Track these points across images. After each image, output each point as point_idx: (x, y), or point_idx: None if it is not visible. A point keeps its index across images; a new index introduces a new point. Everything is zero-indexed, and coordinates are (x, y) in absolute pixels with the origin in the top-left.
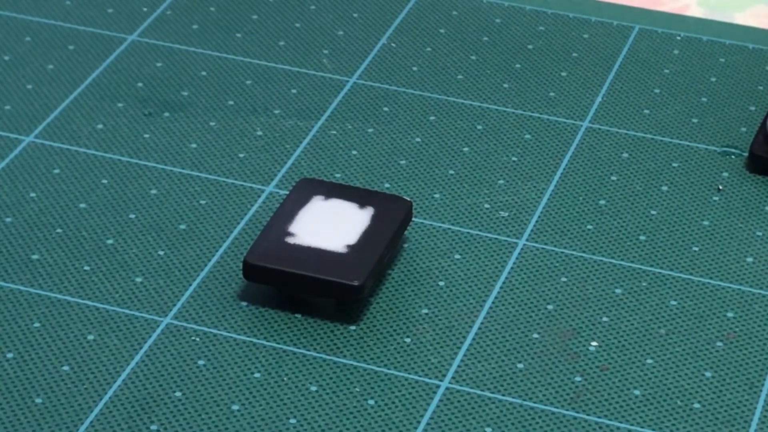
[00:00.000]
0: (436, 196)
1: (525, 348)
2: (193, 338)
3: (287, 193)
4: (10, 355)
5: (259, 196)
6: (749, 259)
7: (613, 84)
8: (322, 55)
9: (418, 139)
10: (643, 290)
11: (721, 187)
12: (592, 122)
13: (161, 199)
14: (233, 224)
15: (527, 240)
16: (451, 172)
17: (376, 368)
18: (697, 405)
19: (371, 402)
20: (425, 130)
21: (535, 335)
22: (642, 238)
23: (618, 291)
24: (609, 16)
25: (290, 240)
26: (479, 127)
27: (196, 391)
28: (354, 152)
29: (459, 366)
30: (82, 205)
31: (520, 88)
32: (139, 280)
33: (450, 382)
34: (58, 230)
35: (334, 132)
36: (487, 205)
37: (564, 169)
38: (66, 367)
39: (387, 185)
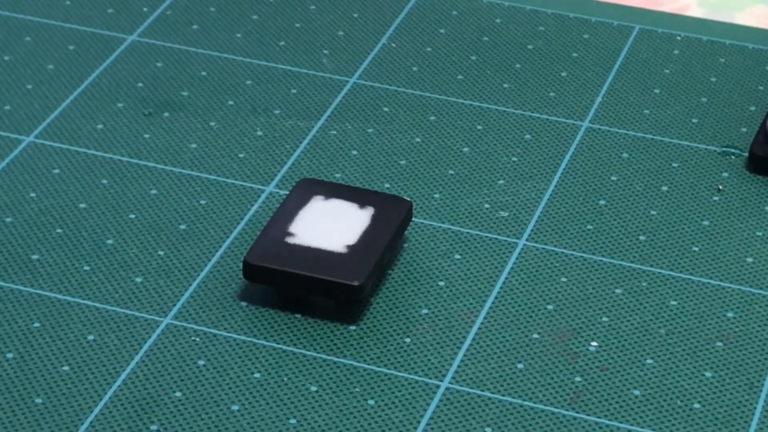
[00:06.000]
0: (436, 196)
1: (525, 348)
2: (193, 338)
3: (287, 193)
4: (10, 355)
5: (259, 196)
6: (749, 259)
7: (613, 84)
8: (322, 55)
9: (418, 139)
10: (643, 290)
11: (721, 187)
12: (592, 122)
13: (161, 199)
14: (233, 224)
15: (527, 240)
16: (451, 172)
17: (376, 368)
18: (697, 405)
19: (371, 402)
20: (425, 130)
21: (535, 335)
22: (642, 238)
23: (618, 291)
24: (609, 16)
25: (290, 240)
26: (479, 127)
27: (196, 391)
28: (354, 152)
29: (459, 366)
30: (82, 205)
31: (520, 88)
32: (139, 280)
33: (450, 382)
34: (58, 230)
35: (334, 132)
36: (487, 205)
37: (564, 169)
38: (66, 367)
39: (387, 185)
